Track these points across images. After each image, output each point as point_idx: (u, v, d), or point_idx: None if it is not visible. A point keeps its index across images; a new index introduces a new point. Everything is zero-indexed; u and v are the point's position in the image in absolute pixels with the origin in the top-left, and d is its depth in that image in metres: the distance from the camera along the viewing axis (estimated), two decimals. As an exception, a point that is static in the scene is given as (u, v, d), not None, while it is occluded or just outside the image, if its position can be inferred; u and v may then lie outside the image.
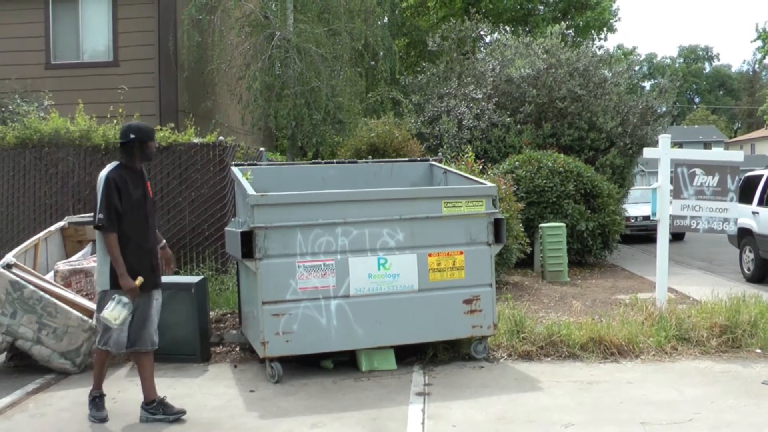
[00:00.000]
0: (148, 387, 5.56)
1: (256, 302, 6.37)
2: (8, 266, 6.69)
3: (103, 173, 5.36)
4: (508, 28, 28.39)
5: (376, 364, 6.71)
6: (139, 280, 5.35)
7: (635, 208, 19.90)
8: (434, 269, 6.70)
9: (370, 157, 12.70)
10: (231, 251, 7.25)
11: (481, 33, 23.76)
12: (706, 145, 64.75)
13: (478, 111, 16.07)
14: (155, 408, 5.53)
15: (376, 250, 6.58)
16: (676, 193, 8.22)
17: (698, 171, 8.24)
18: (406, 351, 6.90)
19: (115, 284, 5.32)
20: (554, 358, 7.02)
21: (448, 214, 6.77)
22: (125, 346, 5.46)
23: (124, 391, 6.30)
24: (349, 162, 8.94)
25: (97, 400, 5.58)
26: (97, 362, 5.61)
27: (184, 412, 5.55)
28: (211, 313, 8.17)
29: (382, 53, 19.01)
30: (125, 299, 5.26)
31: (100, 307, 5.37)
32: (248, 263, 6.37)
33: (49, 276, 7.68)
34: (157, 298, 5.64)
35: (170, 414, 5.52)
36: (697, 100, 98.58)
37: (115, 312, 5.21)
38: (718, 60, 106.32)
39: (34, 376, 6.71)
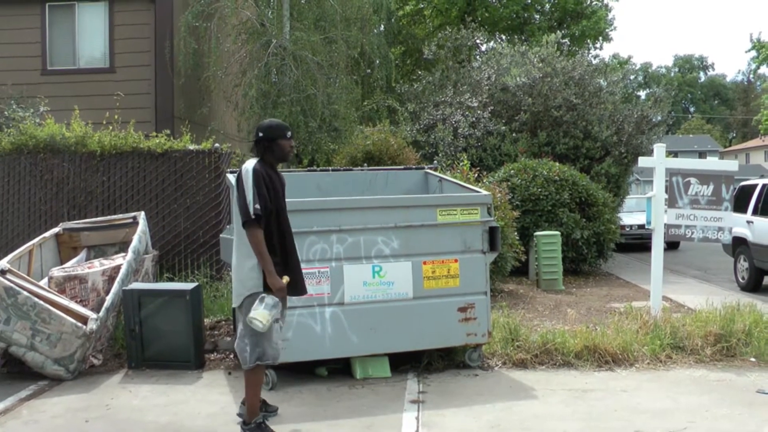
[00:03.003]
0: (249, 405, 5.20)
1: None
2: (2, 272, 6.67)
3: (248, 166, 5.09)
4: (503, 37, 28.53)
5: (371, 371, 6.70)
6: (286, 279, 5.11)
7: (630, 216, 19.92)
8: (429, 277, 6.70)
9: (365, 164, 12.72)
10: (226, 258, 7.24)
11: (477, 41, 23.81)
12: (701, 155, 64.91)
13: (474, 119, 16.11)
14: (251, 428, 5.15)
15: (371, 258, 6.58)
16: (671, 202, 8.23)
17: (693, 180, 8.25)
18: (400, 359, 6.89)
19: (264, 285, 5.04)
20: (549, 366, 7.02)
21: (443, 222, 6.78)
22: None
23: (117, 398, 6.27)
24: (344, 169, 8.95)
25: (263, 426, 5.16)
26: (255, 384, 5.17)
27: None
28: (206, 320, 8.17)
29: (378, 61, 19.04)
30: (273, 300, 4.95)
31: (240, 315, 5.10)
32: (243, 270, 6.35)
33: (44, 282, 7.66)
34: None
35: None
36: (692, 109, 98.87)
37: (264, 312, 4.86)
38: (713, 69, 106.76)
39: (27, 382, 6.67)
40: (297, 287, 5.32)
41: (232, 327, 7.90)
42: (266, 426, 5.18)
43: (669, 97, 19.19)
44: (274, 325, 5.07)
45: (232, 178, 7.28)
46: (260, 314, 4.85)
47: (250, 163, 5.15)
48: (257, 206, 4.95)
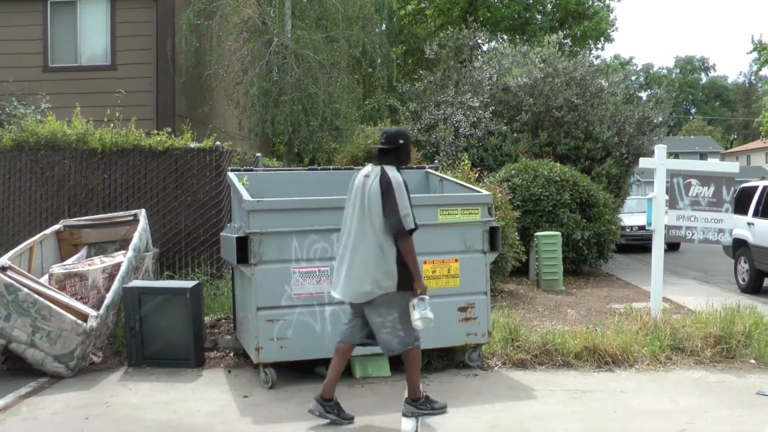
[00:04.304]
0: (412, 383, 5.61)
1: (251, 308, 6.36)
2: (3, 269, 6.67)
3: (397, 177, 5.37)
4: (505, 37, 28.53)
5: (370, 371, 6.70)
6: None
7: (631, 217, 19.93)
8: (429, 276, 6.69)
9: (366, 163, 12.72)
10: (226, 256, 7.24)
11: (479, 41, 23.80)
12: (702, 156, 64.93)
13: (475, 119, 16.10)
14: (420, 403, 5.59)
15: (371, 257, 6.57)
16: (672, 204, 8.22)
17: (694, 181, 8.25)
18: (400, 358, 6.87)
19: (402, 286, 5.35)
20: (548, 366, 7.02)
21: (443, 221, 6.77)
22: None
23: (116, 395, 6.28)
24: (345, 168, 8.94)
25: (429, 398, 5.65)
26: (415, 362, 5.58)
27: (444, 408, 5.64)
28: (206, 318, 8.17)
29: (379, 60, 19.04)
30: (426, 299, 5.38)
31: (380, 309, 5.41)
32: (243, 269, 6.37)
33: (44, 279, 7.66)
34: None
35: (436, 408, 5.63)
36: (693, 110, 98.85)
37: (429, 312, 5.32)
38: (715, 71, 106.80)
39: (27, 379, 6.68)
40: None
41: (232, 325, 7.90)
42: (431, 399, 5.65)
43: (670, 99, 19.18)
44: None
45: (233, 176, 7.30)
46: (430, 315, 5.33)
47: (391, 172, 5.40)
48: (410, 218, 5.29)
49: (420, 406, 5.59)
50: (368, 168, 5.60)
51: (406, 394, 5.67)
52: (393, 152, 5.55)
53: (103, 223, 9.48)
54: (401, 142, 5.55)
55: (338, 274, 5.57)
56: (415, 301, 5.35)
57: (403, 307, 5.40)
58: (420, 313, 5.31)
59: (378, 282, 5.32)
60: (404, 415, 5.59)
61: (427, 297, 5.37)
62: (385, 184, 5.33)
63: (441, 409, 5.64)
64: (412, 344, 5.49)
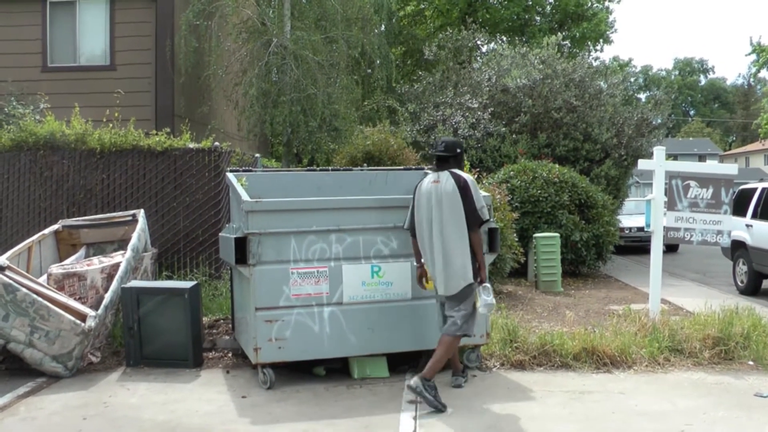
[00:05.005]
0: (434, 364, 5.92)
1: (249, 308, 6.36)
2: (1, 269, 6.67)
3: (467, 177, 6.03)
4: (504, 38, 28.52)
5: (369, 371, 6.70)
6: None
7: (629, 219, 19.93)
8: (428, 277, 6.69)
9: (365, 164, 12.73)
10: (225, 257, 7.25)
11: (478, 43, 23.83)
12: (701, 158, 64.99)
13: (474, 120, 16.10)
14: (428, 386, 5.82)
15: (369, 258, 6.58)
16: (670, 205, 8.23)
17: (692, 183, 8.25)
18: (398, 359, 6.89)
19: (473, 277, 5.93)
20: (547, 367, 7.02)
21: (442, 222, 6.76)
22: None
23: (114, 395, 6.28)
24: (344, 169, 8.94)
25: (435, 387, 5.86)
26: (450, 350, 6.05)
27: (445, 408, 5.80)
28: (204, 319, 8.16)
29: (378, 61, 19.04)
30: (489, 286, 6.01)
31: (458, 300, 5.95)
32: (242, 269, 6.37)
33: (43, 279, 7.67)
34: None
35: (438, 402, 5.79)
36: (692, 112, 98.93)
37: (493, 299, 5.93)
38: (714, 73, 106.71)
39: (25, 379, 6.67)
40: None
41: (230, 326, 7.90)
42: (435, 388, 5.85)
43: (669, 100, 19.19)
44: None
45: (232, 177, 7.29)
46: (493, 302, 5.97)
47: (464, 174, 6.08)
48: (485, 210, 6.01)
49: (427, 387, 5.79)
50: (433, 175, 6.18)
51: (422, 372, 5.90)
52: (452, 159, 6.17)
53: (102, 224, 9.48)
54: (458, 150, 6.23)
55: (434, 272, 6.06)
56: (480, 288, 5.95)
57: (468, 297, 5.99)
58: (485, 300, 5.90)
59: (464, 274, 5.91)
60: (408, 385, 5.88)
61: (489, 285, 6.01)
62: (462, 184, 5.95)
63: (440, 405, 5.76)
64: (463, 334, 6.01)
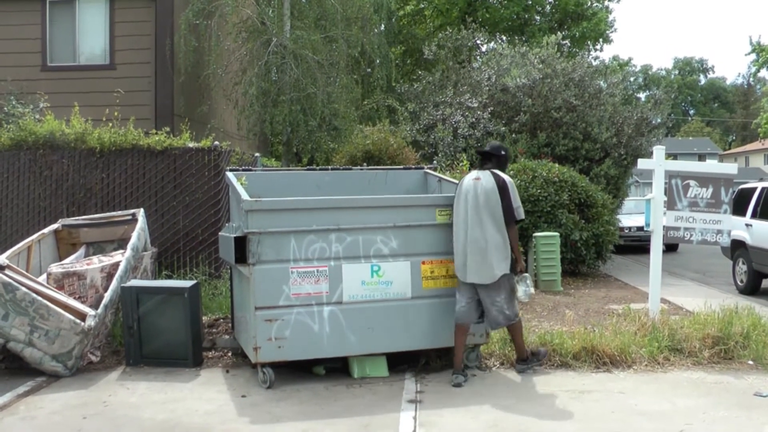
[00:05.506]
0: (519, 347, 6.83)
1: (249, 307, 6.36)
2: (1, 268, 6.67)
3: (506, 177, 6.56)
4: (504, 38, 28.53)
5: (368, 371, 6.70)
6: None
7: (629, 218, 19.92)
8: (428, 277, 6.70)
9: (365, 164, 12.73)
10: (224, 256, 7.24)
11: (478, 42, 23.80)
12: (701, 157, 65.03)
13: (474, 120, 16.10)
14: (527, 361, 6.86)
15: (369, 257, 6.58)
16: (670, 205, 8.22)
17: (692, 183, 8.25)
18: (398, 358, 6.89)
19: (510, 269, 6.51)
20: (546, 367, 7.01)
21: (442, 222, 6.78)
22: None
23: (114, 395, 6.28)
24: (343, 169, 8.93)
25: (533, 352, 6.98)
26: (520, 330, 6.81)
27: (546, 354, 7.00)
28: (204, 318, 8.16)
29: (378, 61, 19.03)
30: (527, 276, 6.68)
31: (495, 290, 6.47)
32: (242, 268, 6.37)
33: (42, 278, 7.67)
34: None
35: (540, 357, 6.93)
36: (691, 112, 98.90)
37: (531, 288, 6.69)
38: (713, 72, 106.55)
39: (25, 378, 6.68)
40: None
41: (230, 325, 7.90)
42: (530, 357, 6.91)
43: (669, 100, 19.17)
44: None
45: (232, 176, 7.30)
46: (532, 290, 6.73)
47: (504, 175, 6.60)
48: (521, 210, 6.54)
49: (528, 363, 6.84)
50: (475, 173, 6.63)
51: (514, 357, 6.94)
52: (494, 158, 6.72)
53: (102, 223, 9.47)
54: (502, 153, 6.82)
55: (465, 261, 6.48)
56: (519, 278, 6.58)
57: (507, 287, 6.53)
58: (524, 289, 6.60)
59: (501, 265, 6.42)
60: (517, 371, 6.81)
61: (527, 275, 6.66)
62: (501, 183, 6.48)
63: (544, 356, 6.97)
64: (514, 320, 6.62)
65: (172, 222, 10.18)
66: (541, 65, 16.96)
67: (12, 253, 7.94)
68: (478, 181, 6.52)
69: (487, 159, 6.73)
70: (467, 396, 6.17)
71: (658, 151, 8.33)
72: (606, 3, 31.61)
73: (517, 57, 17.76)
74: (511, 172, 13.72)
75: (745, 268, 12.57)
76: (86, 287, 7.56)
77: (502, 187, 6.47)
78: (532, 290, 6.55)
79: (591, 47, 30.16)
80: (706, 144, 77.63)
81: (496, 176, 6.52)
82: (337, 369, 6.80)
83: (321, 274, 6.45)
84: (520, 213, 6.53)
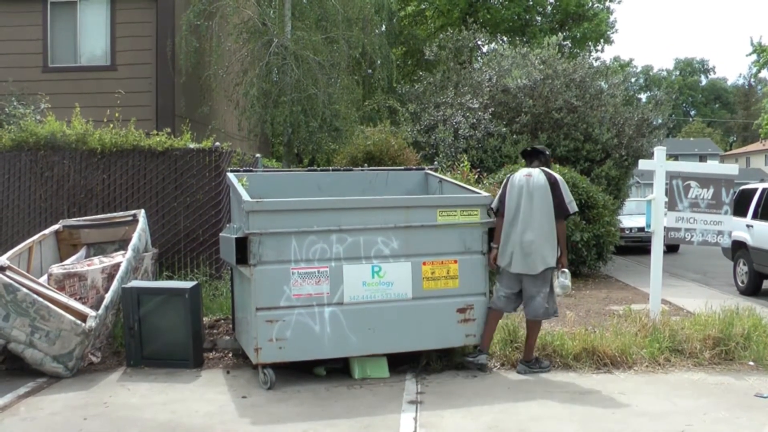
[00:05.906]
0: (530, 348, 6.93)
1: (250, 308, 6.36)
2: (2, 269, 6.67)
3: (557, 175, 6.90)
4: (505, 39, 28.53)
5: (369, 371, 6.70)
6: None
7: (630, 219, 19.91)
8: (428, 278, 6.70)
9: (366, 164, 12.72)
10: (225, 257, 7.24)
11: (479, 43, 23.82)
12: (702, 158, 64.96)
13: (475, 120, 16.09)
14: (531, 364, 6.88)
15: (370, 258, 6.58)
16: (671, 205, 8.22)
17: (693, 183, 8.24)
18: (399, 359, 6.89)
19: (555, 262, 6.72)
20: (547, 368, 7.02)
21: (442, 222, 6.78)
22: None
23: (115, 395, 6.28)
24: (344, 169, 8.94)
25: (538, 359, 7.01)
26: (538, 329, 6.96)
27: (548, 367, 6.95)
28: (205, 319, 8.16)
29: (379, 61, 19.04)
30: (567, 271, 6.78)
31: (541, 281, 6.74)
32: (242, 269, 6.37)
33: (43, 279, 7.67)
34: None
35: (543, 367, 6.90)
36: (692, 113, 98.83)
37: (569, 282, 6.75)
38: (714, 73, 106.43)
39: (25, 379, 6.68)
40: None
41: (231, 326, 7.90)
42: (536, 360, 6.95)
43: (670, 100, 19.17)
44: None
45: (232, 177, 7.30)
46: (569, 284, 6.78)
47: (554, 172, 6.94)
48: (573, 204, 6.86)
49: (531, 365, 6.86)
50: (526, 170, 6.94)
51: (517, 358, 7.02)
52: (541, 156, 7.09)
53: (103, 224, 9.47)
54: (547, 152, 7.21)
55: (512, 252, 6.76)
56: (559, 272, 6.71)
57: (548, 278, 6.76)
58: (561, 283, 6.69)
59: (548, 258, 6.68)
60: (518, 372, 6.84)
61: (567, 270, 6.79)
62: (552, 179, 6.79)
63: (546, 368, 6.90)
64: (552, 315, 6.90)
65: (173, 223, 10.18)
66: (542, 66, 16.95)
67: (13, 254, 7.94)
68: (530, 177, 6.81)
69: (534, 157, 7.10)
70: (468, 397, 6.17)
71: (659, 151, 8.33)
72: (607, 4, 31.61)
73: (518, 58, 17.74)
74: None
75: (745, 269, 12.56)
76: (87, 288, 7.57)
77: (553, 183, 6.77)
78: (570, 285, 6.73)
79: (592, 48, 30.12)
80: (707, 145, 77.59)
81: (547, 174, 6.83)
82: (337, 370, 6.80)
83: (322, 274, 6.45)
84: (573, 206, 6.86)
